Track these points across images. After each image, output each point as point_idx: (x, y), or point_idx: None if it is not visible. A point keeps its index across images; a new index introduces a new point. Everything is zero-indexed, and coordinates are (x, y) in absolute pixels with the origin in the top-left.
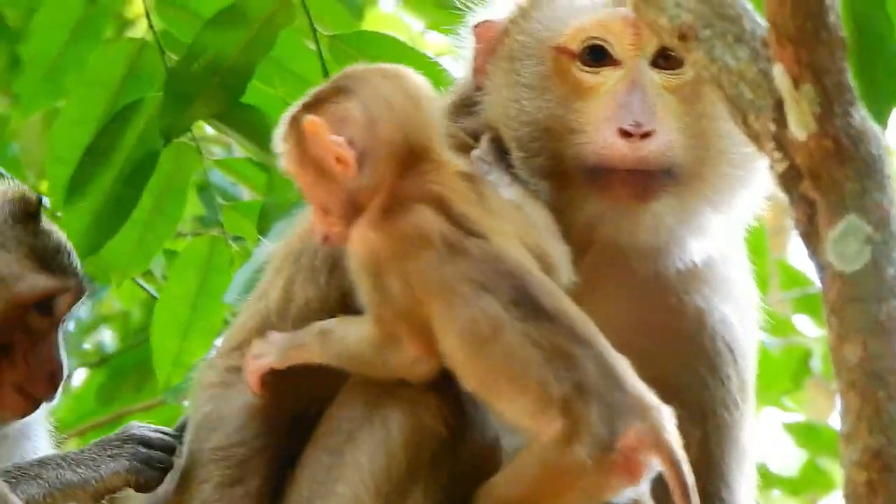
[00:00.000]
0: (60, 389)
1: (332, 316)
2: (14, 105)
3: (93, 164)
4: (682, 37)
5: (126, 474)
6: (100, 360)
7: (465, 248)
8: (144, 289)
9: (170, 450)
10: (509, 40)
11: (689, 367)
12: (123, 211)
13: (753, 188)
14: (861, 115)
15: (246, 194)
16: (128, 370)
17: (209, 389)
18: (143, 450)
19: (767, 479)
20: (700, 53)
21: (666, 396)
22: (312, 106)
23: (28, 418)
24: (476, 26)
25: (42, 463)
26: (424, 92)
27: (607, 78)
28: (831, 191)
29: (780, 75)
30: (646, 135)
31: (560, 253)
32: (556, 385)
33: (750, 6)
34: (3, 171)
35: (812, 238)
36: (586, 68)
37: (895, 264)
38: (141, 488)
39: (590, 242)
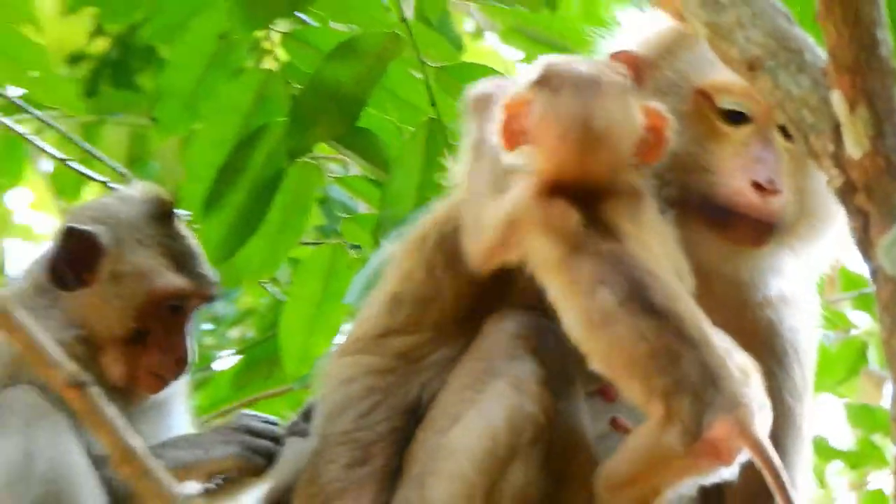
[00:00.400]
0: (186, 372)
1: (445, 307)
2: (155, 128)
3: (226, 182)
4: (751, 67)
5: (233, 459)
6: (236, 351)
7: (592, 248)
8: (270, 292)
9: (275, 439)
10: (658, 74)
11: (761, 364)
12: (253, 223)
13: (833, 239)
14: None
15: (362, 207)
16: (259, 361)
17: (337, 379)
18: (250, 438)
19: (830, 453)
20: (767, 82)
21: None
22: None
23: (167, 399)
24: (616, 54)
25: (164, 444)
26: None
27: (741, 130)
28: (883, 203)
29: (837, 101)
30: (775, 191)
31: (684, 269)
32: (657, 378)
33: (811, 40)
34: None
35: (866, 245)
36: (724, 119)
37: None
38: (247, 472)
39: (695, 263)
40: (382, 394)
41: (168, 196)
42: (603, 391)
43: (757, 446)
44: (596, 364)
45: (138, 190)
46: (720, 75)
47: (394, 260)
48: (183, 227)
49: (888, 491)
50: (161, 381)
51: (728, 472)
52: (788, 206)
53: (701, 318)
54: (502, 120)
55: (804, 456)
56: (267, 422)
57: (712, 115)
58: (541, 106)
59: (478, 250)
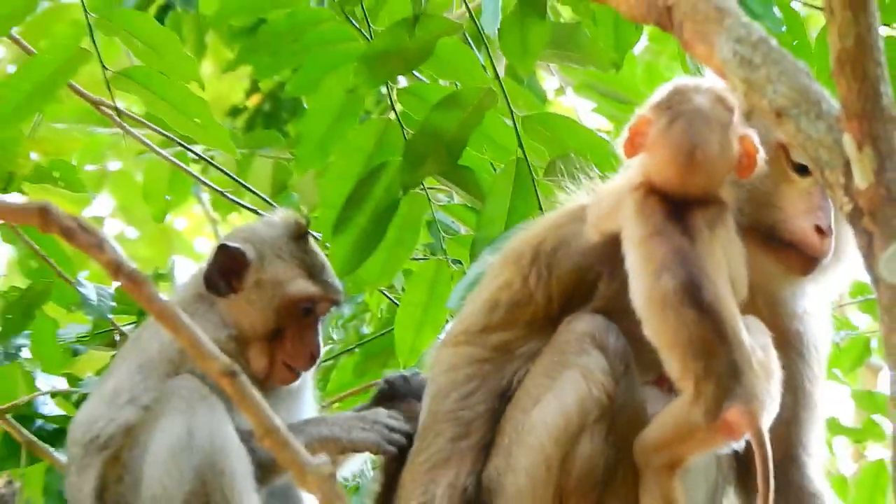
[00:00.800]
0: (315, 365)
1: (536, 310)
2: (294, 165)
3: (352, 209)
4: (778, 114)
5: (371, 444)
6: (357, 344)
7: (669, 238)
8: (388, 297)
9: (408, 436)
10: (752, 121)
11: (788, 358)
12: (374, 242)
13: (847, 273)
14: None
15: (462, 230)
16: (377, 352)
17: (444, 366)
18: (388, 431)
19: (838, 429)
20: (791, 126)
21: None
22: None
23: (299, 387)
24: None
25: (308, 422)
26: None
27: (806, 180)
28: (885, 225)
29: (848, 142)
30: (829, 235)
31: (743, 278)
32: (691, 362)
33: (827, 93)
34: None
35: (870, 259)
36: (795, 169)
37: None
38: (379, 454)
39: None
40: (481, 379)
41: (303, 220)
42: (658, 381)
43: (758, 435)
44: (647, 332)
45: (280, 215)
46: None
47: (492, 270)
48: (315, 245)
49: (886, 461)
50: (293, 373)
51: (737, 445)
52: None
53: (739, 322)
54: (628, 135)
55: (818, 429)
56: (401, 422)
57: (786, 165)
58: (658, 129)
59: (593, 220)
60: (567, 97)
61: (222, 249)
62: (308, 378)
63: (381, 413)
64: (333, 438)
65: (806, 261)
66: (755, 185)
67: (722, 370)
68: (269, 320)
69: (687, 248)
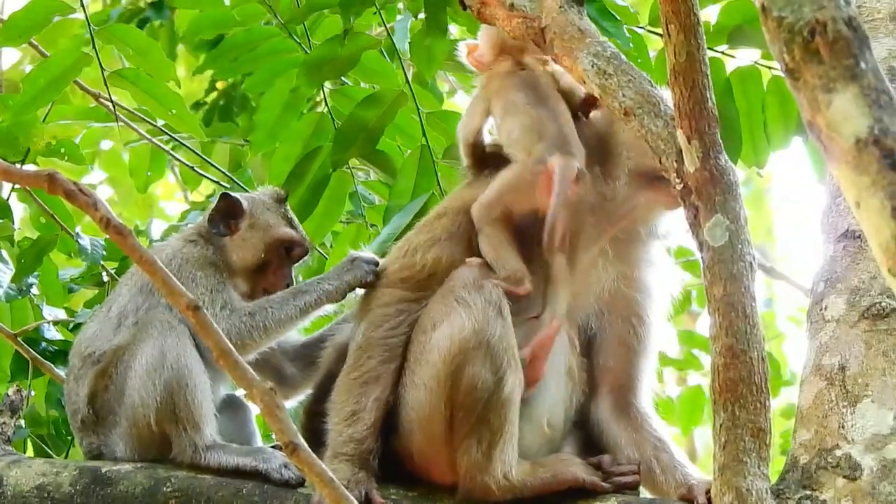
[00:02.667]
0: None
1: (449, 260)
2: (249, 148)
3: (293, 183)
4: (626, 113)
5: (363, 277)
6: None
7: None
8: (319, 252)
9: (375, 263)
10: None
11: (634, 297)
12: (310, 209)
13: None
14: (725, 157)
15: (377, 200)
16: None
17: (377, 302)
18: (367, 265)
19: (666, 360)
20: (636, 123)
21: (628, 304)
22: None
23: None
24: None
25: (303, 288)
26: None
27: None
28: (707, 200)
29: (680, 136)
30: None
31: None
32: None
33: (666, 96)
34: (244, 185)
35: (696, 228)
36: None
37: (742, 242)
38: (365, 285)
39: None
40: (406, 314)
41: (283, 191)
42: (535, 317)
43: (563, 178)
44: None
45: (265, 187)
46: None
47: (417, 228)
48: (290, 209)
49: (703, 386)
50: None
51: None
52: None
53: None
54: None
55: (652, 361)
56: (369, 254)
57: None
58: None
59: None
60: (458, 98)
61: (224, 197)
62: None
63: (354, 253)
64: (333, 289)
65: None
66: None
67: (552, 140)
68: (258, 255)
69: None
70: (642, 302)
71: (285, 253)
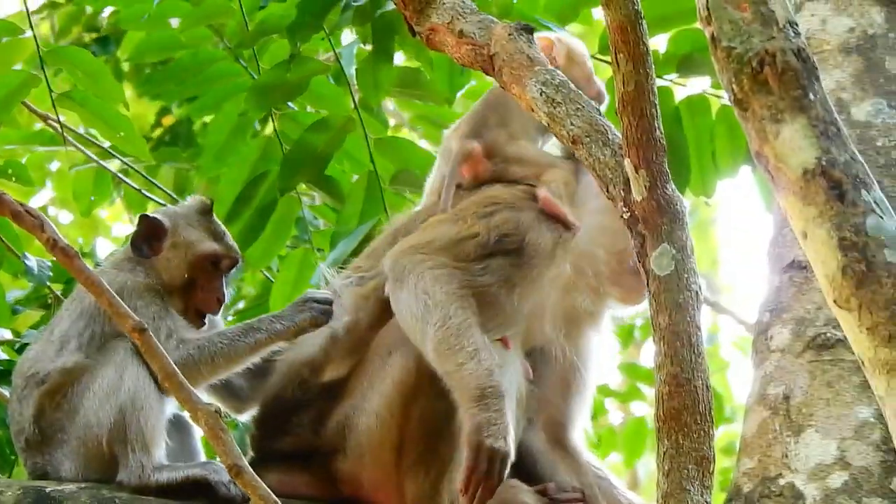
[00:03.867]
0: (220, 311)
1: None
2: (196, 171)
3: (240, 206)
4: (574, 142)
5: (314, 319)
6: (236, 312)
7: None
8: (266, 276)
9: (330, 303)
10: None
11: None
12: (256, 233)
13: None
14: (672, 187)
15: (323, 224)
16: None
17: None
18: (318, 304)
19: (608, 391)
20: (584, 152)
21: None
22: None
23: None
24: None
25: (254, 325)
26: None
27: None
28: (654, 229)
29: (627, 165)
30: None
31: None
32: None
33: (612, 126)
34: None
35: (642, 256)
36: None
37: (688, 272)
38: (318, 326)
39: None
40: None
41: (208, 200)
42: (502, 340)
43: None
44: None
45: (191, 198)
46: None
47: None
48: (217, 219)
49: (646, 417)
50: (202, 319)
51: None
52: None
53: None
54: None
55: (586, 406)
56: (325, 295)
57: None
58: None
59: None
60: (406, 127)
61: (143, 219)
62: (218, 323)
63: (310, 292)
64: (284, 329)
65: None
66: None
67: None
68: (183, 274)
69: None
70: (582, 359)
71: (212, 267)
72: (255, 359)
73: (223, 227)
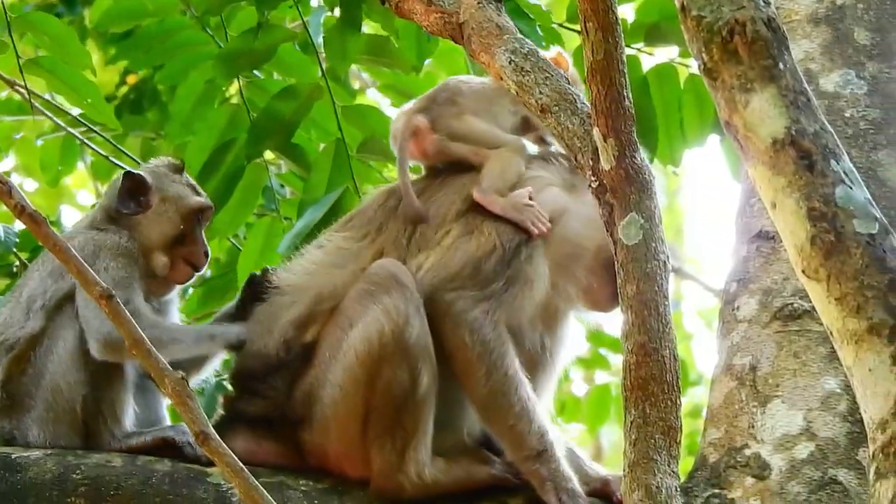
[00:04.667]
0: (172, 302)
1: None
2: (163, 139)
3: (207, 174)
4: (543, 110)
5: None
6: (203, 282)
7: None
8: (234, 244)
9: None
10: None
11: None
12: (223, 201)
13: None
14: (641, 156)
15: (290, 193)
16: (219, 288)
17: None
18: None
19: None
20: (552, 120)
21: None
22: None
23: (172, 299)
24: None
25: (216, 324)
26: None
27: None
28: (622, 199)
29: (596, 133)
30: None
31: None
32: None
33: (582, 94)
34: None
35: (611, 226)
36: None
37: (656, 241)
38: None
39: None
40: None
41: (178, 160)
42: None
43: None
44: None
45: (160, 159)
46: None
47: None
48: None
49: (611, 385)
50: (191, 271)
51: None
52: None
53: None
54: None
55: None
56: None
57: None
58: None
59: None
60: (370, 94)
61: (128, 176)
62: (174, 296)
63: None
64: (233, 339)
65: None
66: None
67: None
68: (177, 227)
69: None
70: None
71: (197, 220)
72: (198, 352)
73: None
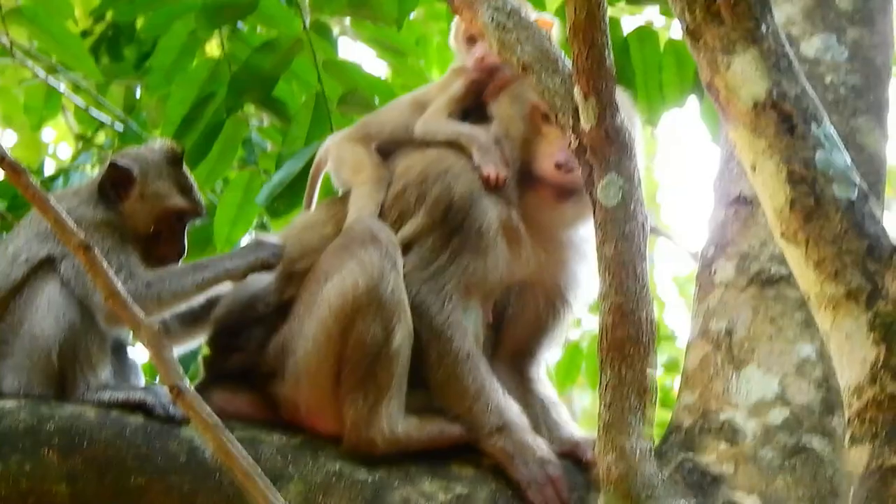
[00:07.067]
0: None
1: None
2: (145, 90)
3: (188, 126)
4: (524, 68)
5: (263, 260)
6: None
7: None
8: (210, 198)
9: (281, 248)
10: (515, 87)
11: (567, 276)
12: (203, 154)
13: None
14: (621, 117)
15: (270, 146)
16: (197, 241)
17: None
18: (270, 247)
19: None
20: (534, 79)
21: (555, 287)
22: None
23: None
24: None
25: (210, 260)
26: None
27: (551, 128)
28: (602, 159)
29: (577, 93)
30: (570, 170)
31: None
32: None
33: (563, 54)
34: (137, 126)
35: (590, 185)
36: (542, 121)
37: (635, 202)
38: (268, 267)
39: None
40: None
41: (179, 148)
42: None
43: None
44: None
45: (160, 144)
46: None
47: None
48: (187, 169)
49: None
50: (165, 265)
51: None
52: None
53: None
54: None
55: (560, 338)
56: (270, 238)
57: (538, 119)
58: None
59: None
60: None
61: (112, 166)
62: None
63: (259, 237)
64: (234, 268)
65: (556, 191)
66: (522, 137)
67: None
68: (148, 226)
69: None
70: (569, 281)
71: (177, 221)
72: (202, 298)
73: (191, 177)
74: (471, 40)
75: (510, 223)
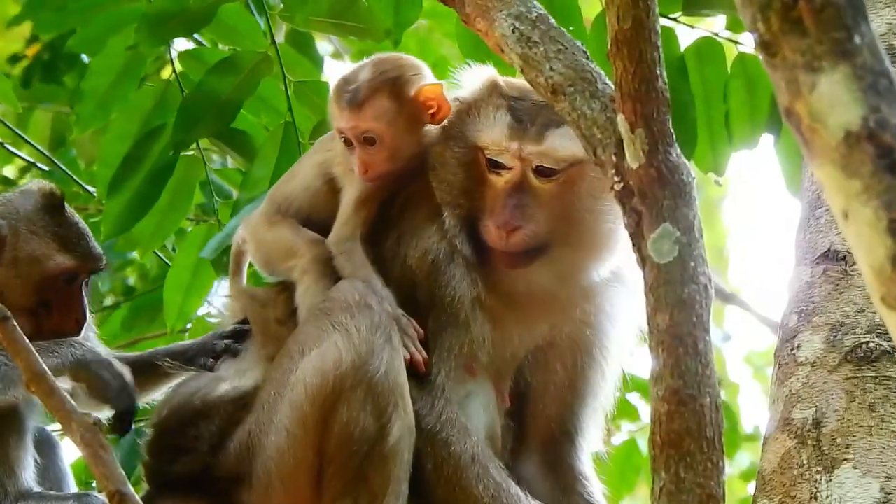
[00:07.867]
0: (84, 328)
1: None
2: (75, 122)
3: (129, 168)
4: (554, 91)
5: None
6: (126, 300)
7: None
8: (160, 258)
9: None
10: (457, 122)
11: (583, 329)
12: (149, 202)
13: (615, 245)
14: (677, 152)
15: (235, 194)
16: (145, 308)
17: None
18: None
19: None
20: (566, 104)
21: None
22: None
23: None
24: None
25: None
26: None
27: (502, 177)
28: (653, 205)
29: (621, 122)
30: (514, 229)
31: None
32: None
33: (602, 72)
34: (64, 167)
35: (638, 238)
36: (490, 168)
37: (695, 259)
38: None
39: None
40: None
41: (58, 191)
42: (468, 367)
43: None
44: None
45: (36, 186)
46: (489, 136)
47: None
48: (72, 215)
49: (639, 440)
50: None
51: None
52: (548, 231)
53: None
54: None
55: (597, 416)
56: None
57: (484, 165)
58: None
59: None
60: (346, 62)
61: None
62: (90, 324)
63: (212, 334)
64: (85, 362)
65: (508, 256)
66: (462, 187)
67: None
68: (30, 295)
69: None
70: (592, 337)
71: (67, 285)
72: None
73: (78, 224)
74: (347, 143)
75: (481, 300)
